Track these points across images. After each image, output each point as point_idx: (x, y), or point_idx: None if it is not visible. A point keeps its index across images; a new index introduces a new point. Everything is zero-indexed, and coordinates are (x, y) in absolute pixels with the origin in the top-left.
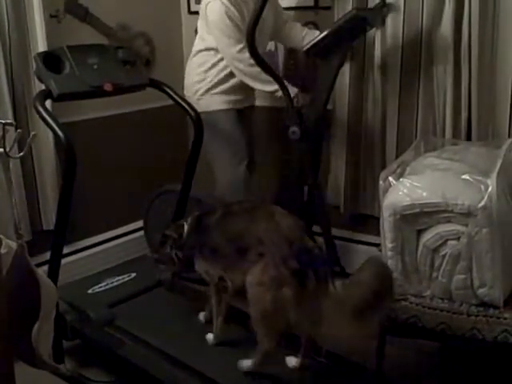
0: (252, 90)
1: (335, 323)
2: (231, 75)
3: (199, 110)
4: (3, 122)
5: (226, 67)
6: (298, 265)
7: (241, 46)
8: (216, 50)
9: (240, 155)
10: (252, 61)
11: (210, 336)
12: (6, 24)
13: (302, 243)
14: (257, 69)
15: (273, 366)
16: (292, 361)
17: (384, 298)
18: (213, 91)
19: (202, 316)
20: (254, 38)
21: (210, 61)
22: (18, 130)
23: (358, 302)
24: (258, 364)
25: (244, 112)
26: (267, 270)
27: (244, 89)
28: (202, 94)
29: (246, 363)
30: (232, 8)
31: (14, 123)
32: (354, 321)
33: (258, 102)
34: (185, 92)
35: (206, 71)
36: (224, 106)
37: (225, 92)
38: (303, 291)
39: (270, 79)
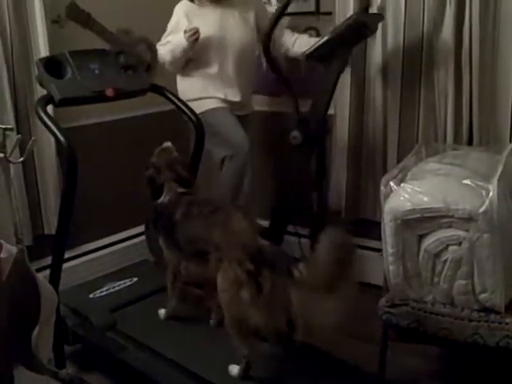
0: (245, 100)
1: (309, 305)
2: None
3: None
4: (3, 127)
5: (212, 79)
6: (252, 267)
7: (163, 41)
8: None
9: (235, 150)
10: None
11: (162, 311)
12: (8, 29)
13: (256, 245)
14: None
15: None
16: (235, 369)
17: (347, 264)
18: (202, 95)
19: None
20: (269, 42)
21: (196, 70)
22: (18, 135)
23: (325, 277)
24: (244, 370)
25: (238, 118)
26: (226, 277)
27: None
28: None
29: (234, 370)
30: (190, 14)
31: (13, 128)
32: (326, 296)
33: (257, 107)
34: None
35: (194, 81)
36: (214, 105)
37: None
38: (261, 291)
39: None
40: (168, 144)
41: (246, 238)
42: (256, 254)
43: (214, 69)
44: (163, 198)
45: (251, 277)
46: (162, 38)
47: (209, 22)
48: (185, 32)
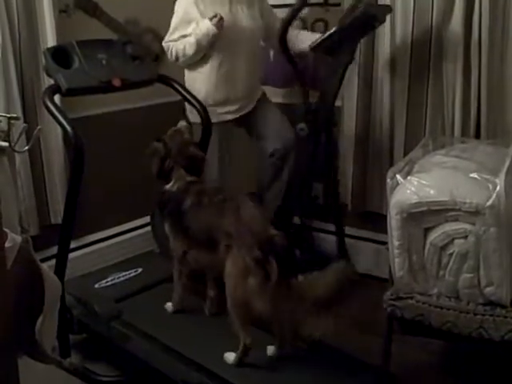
0: (249, 96)
1: (294, 312)
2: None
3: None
4: (8, 115)
5: (214, 77)
6: (261, 255)
7: (173, 36)
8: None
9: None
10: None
11: (168, 305)
12: (16, 19)
13: (266, 234)
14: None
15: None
16: (231, 356)
17: (345, 294)
18: (212, 102)
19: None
20: (286, 38)
21: (196, 71)
22: (24, 124)
23: (318, 294)
24: (240, 358)
25: (240, 118)
26: (235, 263)
27: (238, 98)
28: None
29: (230, 357)
30: (198, 1)
31: (19, 117)
32: (312, 311)
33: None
34: None
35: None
36: (222, 118)
37: (214, 104)
38: (268, 280)
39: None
40: (182, 123)
41: (257, 226)
42: (265, 242)
43: (223, 61)
44: (171, 186)
45: (259, 265)
46: (168, 36)
47: (220, 11)
48: (210, 19)
